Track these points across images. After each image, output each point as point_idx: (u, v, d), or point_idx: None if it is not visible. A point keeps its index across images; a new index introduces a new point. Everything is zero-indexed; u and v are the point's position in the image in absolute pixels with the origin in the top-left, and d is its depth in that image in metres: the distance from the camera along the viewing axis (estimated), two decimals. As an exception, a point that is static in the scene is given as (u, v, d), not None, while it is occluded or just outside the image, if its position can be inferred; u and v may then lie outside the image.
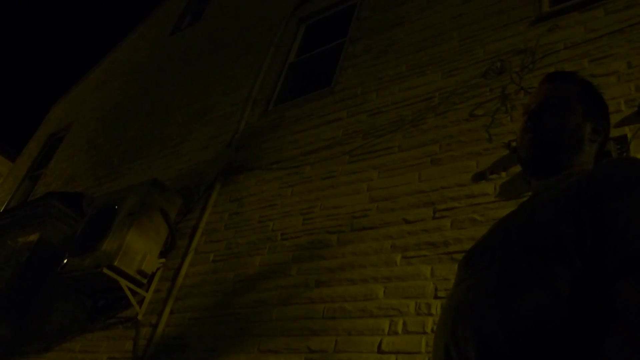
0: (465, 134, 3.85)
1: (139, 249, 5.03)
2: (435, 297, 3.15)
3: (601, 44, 3.54)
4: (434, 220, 3.55)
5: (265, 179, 5.08)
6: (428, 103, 4.32)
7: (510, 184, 3.30)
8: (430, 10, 5.13)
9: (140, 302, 5.01)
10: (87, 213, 5.97)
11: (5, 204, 9.85)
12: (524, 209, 1.24)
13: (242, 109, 6.21)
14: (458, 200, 3.52)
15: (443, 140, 3.96)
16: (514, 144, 3.29)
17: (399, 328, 3.20)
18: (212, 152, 6.06)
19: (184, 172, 6.17)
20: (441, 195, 3.64)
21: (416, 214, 3.67)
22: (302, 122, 5.30)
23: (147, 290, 5.06)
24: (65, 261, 5.35)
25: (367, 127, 4.63)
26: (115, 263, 4.82)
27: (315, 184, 4.58)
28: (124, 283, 4.88)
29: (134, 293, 4.98)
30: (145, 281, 5.07)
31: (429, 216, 3.59)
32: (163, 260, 5.23)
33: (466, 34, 4.56)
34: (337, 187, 4.38)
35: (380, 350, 3.21)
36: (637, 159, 1.10)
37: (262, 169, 5.19)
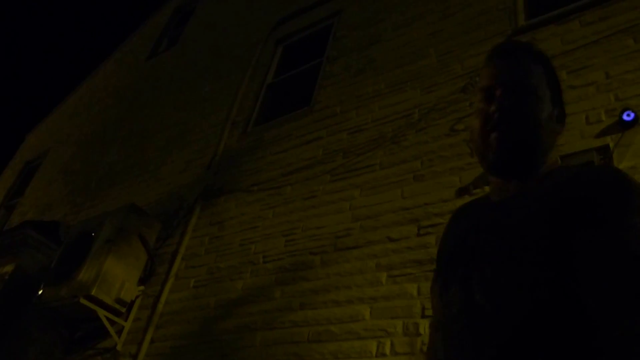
0: (447, 149, 3.81)
1: (117, 276, 4.89)
2: (423, 316, 3.08)
3: (578, 56, 3.53)
4: (418, 237, 3.49)
5: (245, 201, 4.99)
6: (408, 119, 4.28)
7: (494, 198, 3.24)
8: (407, 28, 5.13)
9: (120, 332, 4.86)
10: (63, 241, 5.82)
11: (-20, 235, 9.60)
12: (494, 218, 1.14)
13: (220, 131, 6.13)
14: (442, 216, 3.46)
15: (424, 156, 3.91)
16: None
17: (387, 349, 3.12)
18: (191, 175, 5.97)
19: (163, 197, 6.05)
20: (425, 212, 3.58)
21: (400, 232, 3.61)
22: (282, 142, 5.24)
23: (126, 319, 4.92)
24: (41, 291, 5.19)
25: (347, 146, 4.57)
26: (93, 292, 4.68)
27: (296, 205, 4.50)
28: (101, 313, 4.74)
29: (112, 322, 4.84)
30: (124, 310, 4.94)
31: (414, 233, 3.53)
32: (142, 287, 5.10)
33: (444, 50, 4.55)
34: (319, 207, 4.30)
35: (368, 374, 3.12)
36: (625, 175, 1.04)
37: (242, 191, 5.11)
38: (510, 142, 1.13)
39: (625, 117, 2.94)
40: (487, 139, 1.15)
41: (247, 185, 5.14)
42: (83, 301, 4.69)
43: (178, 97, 7.81)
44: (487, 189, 3.35)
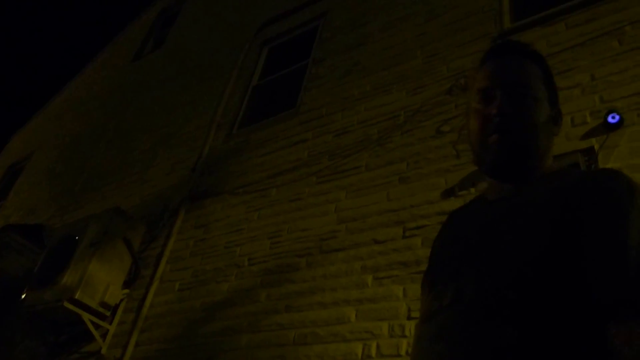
0: (433, 151, 3.79)
1: (101, 280, 4.82)
2: (409, 318, 3.05)
3: (564, 58, 3.53)
4: (404, 239, 3.46)
5: (231, 203, 4.94)
6: (394, 121, 4.26)
7: (480, 200, 3.23)
8: (394, 30, 5.11)
9: (104, 335, 4.80)
10: (47, 245, 5.74)
11: (-37, 238, 9.45)
12: (491, 218, 1.11)
13: (206, 133, 6.08)
14: (428, 217, 3.44)
15: (410, 158, 3.89)
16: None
17: (373, 352, 3.09)
18: (177, 177, 5.91)
19: (148, 199, 5.99)
20: (411, 214, 3.56)
21: (386, 234, 3.58)
22: (267, 144, 5.20)
23: (110, 323, 4.86)
24: (24, 295, 5.11)
25: (333, 148, 4.55)
26: (77, 296, 4.62)
27: (282, 207, 4.46)
28: (86, 316, 4.67)
29: (97, 326, 4.78)
30: (108, 313, 4.88)
31: (399, 235, 3.51)
32: (127, 290, 5.03)
33: (430, 52, 4.54)
34: (304, 209, 4.27)
35: (354, 376, 3.09)
36: (625, 177, 1.02)
37: (227, 194, 5.06)
38: (510, 145, 1.12)
39: (610, 120, 2.94)
40: (486, 141, 1.14)
41: (232, 187, 5.09)
42: (67, 305, 4.63)
43: (163, 99, 7.75)
44: (473, 190, 3.34)
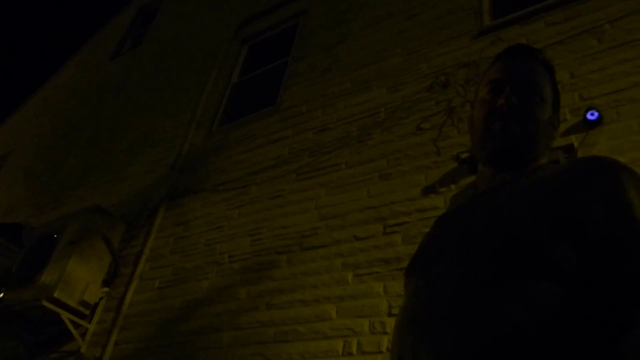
0: (413, 148, 3.78)
1: (80, 278, 4.75)
2: (390, 314, 3.03)
3: (546, 54, 3.53)
4: (384, 235, 3.44)
5: (211, 201, 4.89)
6: (374, 118, 4.24)
7: (460, 196, 3.23)
8: (373, 27, 5.10)
9: (83, 334, 4.74)
10: (26, 244, 5.63)
11: (-61, 238, 9.25)
12: (481, 205, 1.11)
13: (185, 131, 6.02)
14: (408, 214, 3.42)
15: (391, 155, 3.87)
16: (463, 155, 3.22)
17: (354, 348, 3.07)
18: (156, 175, 5.84)
19: (128, 197, 5.91)
20: (391, 211, 3.54)
21: (367, 231, 3.56)
22: (247, 142, 5.15)
23: (90, 322, 4.79)
24: (2, 295, 5.01)
25: (313, 145, 4.51)
26: (55, 294, 4.54)
27: (262, 204, 4.42)
28: (65, 315, 4.60)
29: (76, 325, 4.71)
30: (88, 312, 4.81)
31: (380, 232, 3.48)
32: (106, 289, 4.96)
33: (410, 49, 4.53)
34: (285, 207, 4.23)
35: (335, 373, 3.06)
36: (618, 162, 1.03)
37: (207, 191, 5.00)
38: (513, 133, 1.15)
39: (589, 117, 2.95)
40: (490, 128, 1.17)
41: (212, 185, 5.04)
42: (46, 304, 4.55)
43: (143, 97, 7.66)
44: (453, 187, 3.33)
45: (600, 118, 2.91)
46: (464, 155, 3.20)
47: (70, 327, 4.65)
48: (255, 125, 5.28)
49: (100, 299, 4.92)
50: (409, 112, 4.02)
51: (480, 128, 1.20)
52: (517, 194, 1.05)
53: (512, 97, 1.17)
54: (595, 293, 0.85)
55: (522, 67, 1.22)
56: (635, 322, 0.81)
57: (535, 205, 0.97)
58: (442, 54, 4.19)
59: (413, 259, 1.17)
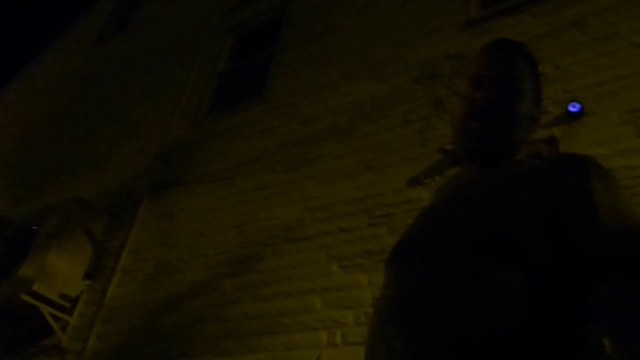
0: (399, 140, 3.87)
1: (61, 271, 4.79)
2: (374, 306, 3.12)
3: (528, 47, 3.62)
4: (370, 227, 3.54)
5: (195, 192, 4.96)
6: (361, 109, 4.33)
7: (445, 188, 3.32)
8: (362, 18, 5.17)
9: (64, 328, 4.78)
10: (4, 236, 5.66)
11: None
12: (459, 198, 1.17)
13: (170, 120, 6.07)
14: (394, 206, 3.52)
15: (377, 146, 3.97)
16: (448, 147, 3.32)
17: (338, 340, 3.17)
18: (140, 166, 5.88)
19: (111, 188, 5.95)
20: (377, 202, 3.64)
21: (352, 222, 3.66)
22: (233, 132, 5.22)
23: (71, 315, 4.83)
24: (-21, 289, 5.04)
25: (300, 136, 4.60)
26: (35, 287, 4.57)
27: (248, 196, 4.50)
28: (45, 309, 4.64)
29: (57, 319, 4.75)
30: (69, 305, 4.85)
31: (365, 224, 3.59)
32: (88, 282, 5.02)
33: (397, 40, 4.61)
34: (270, 198, 4.32)
35: (319, 364, 3.16)
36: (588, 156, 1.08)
37: (192, 182, 5.07)
38: (489, 131, 1.18)
39: (571, 108, 3.05)
40: (467, 125, 1.21)
41: (197, 176, 5.10)
42: (25, 297, 4.59)
43: (126, 85, 7.67)
44: (438, 178, 3.44)
45: (582, 110, 3.02)
46: (449, 147, 3.29)
47: (51, 320, 4.68)
48: (241, 115, 5.35)
49: (82, 291, 4.96)
50: (395, 103, 4.12)
51: (459, 125, 1.24)
52: (494, 189, 1.10)
53: (490, 93, 1.20)
54: (563, 281, 0.91)
55: (502, 62, 1.26)
56: (598, 309, 0.87)
57: (510, 198, 1.03)
58: (429, 45, 4.28)
59: (392, 250, 1.20)
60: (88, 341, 4.49)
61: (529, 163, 1.17)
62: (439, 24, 4.40)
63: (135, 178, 5.75)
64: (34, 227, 5.12)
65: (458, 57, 3.93)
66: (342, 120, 4.40)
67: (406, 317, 0.97)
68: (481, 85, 1.23)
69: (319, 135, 4.45)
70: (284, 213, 4.11)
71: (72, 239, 5.00)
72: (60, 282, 4.78)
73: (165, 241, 4.78)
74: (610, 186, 1.00)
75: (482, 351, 0.86)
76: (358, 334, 3.08)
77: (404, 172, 3.66)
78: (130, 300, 4.57)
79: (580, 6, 3.61)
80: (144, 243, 4.96)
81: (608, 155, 2.84)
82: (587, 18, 3.49)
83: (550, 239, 0.95)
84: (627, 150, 2.83)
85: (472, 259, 0.96)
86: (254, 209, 4.36)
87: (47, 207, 5.49)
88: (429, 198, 3.33)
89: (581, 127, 3.01)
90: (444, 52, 4.12)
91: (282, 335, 3.44)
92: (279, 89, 5.27)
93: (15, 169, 8.21)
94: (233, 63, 6.46)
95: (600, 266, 0.90)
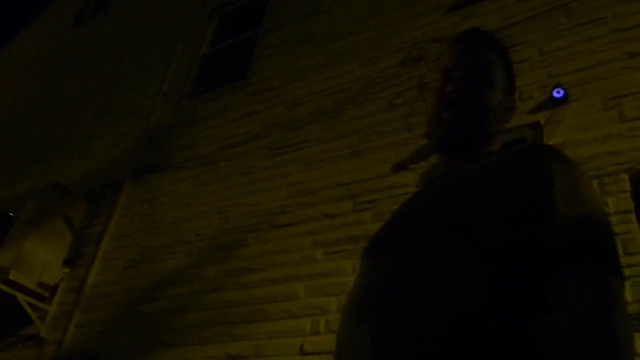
0: (385, 124, 3.92)
1: (39, 259, 4.81)
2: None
3: (514, 31, 3.69)
4: (354, 213, 3.60)
5: (178, 177, 4.99)
6: (346, 93, 4.37)
7: (430, 174, 3.38)
8: (347, 0, 5.19)
9: (43, 318, 4.80)
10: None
11: None
12: (430, 191, 1.21)
13: (152, 104, 6.07)
14: (379, 191, 3.58)
15: (362, 131, 4.02)
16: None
17: (322, 327, 3.23)
18: (121, 150, 5.90)
19: (91, 174, 5.96)
20: (362, 188, 3.69)
21: (337, 208, 3.71)
22: (217, 116, 5.25)
23: (50, 304, 4.85)
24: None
25: (284, 120, 4.63)
26: (11, 276, 4.59)
27: (231, 181, 4.54)
28: (22, 298, 4.66)
29: (35, 308, 4.77)
30: (47, 294, 4.87)
31: (350, 209, 3.64)
32: (67, 270, 5.04)
33: (383, 22, 4.64)
34: (254, 184, 4.36)
35: (302, 352, 3.24)
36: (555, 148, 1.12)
37: (174, 167, 5.10)
38: (459, 121, 1.23)
39: (555, 94, 3.11)
40: (439, 116, 1.26)
41: (179, 161, 5.13)
42: (1, 286, 4.60)
43: (107, 68, 7.64)
44: (423, 164, 3.50)
45: (566, 96, 3.08)
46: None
47: (29, 310, 4.70)
48: (225, 98, 5.36)
49: (61, 280, 4.98)
50: (381, 87, 4.16)
51: (431, 116, 1.29)
52: (463, 180, 1.13)
53: (459, 85, 1.25)
54: (523, 272, 0.93)
55: (472, 54, 1.30)
56: (551, 301, 0.89)
57: (474, 189, 1.06)
58: (415, 28, 4.31)
59: (367, 243, 1.23)
60: (67, 330, 4.52)
61: (500, 154, 1.20)
62: (425, 7, 4.43)
63: (116, 163, 5.77)
64: (11, 214, 5.14)
65: (444, 40, 3.97)
66: (327, 104, 4.43)
67: (370, 310, 0.99)
68: (451, 78, 1.27)
69: (303, 119, 4.49)
70: (268, 199, 4.16)
71: (50, 226, 5.02)
72: (38, 270, 4.79)
73: (147, 227, 4.82)
74: (572, 177, 1.02)
75: (440, 345, 0.89)
76: (341, 321, 3.14)
77: (390, 157, 3.71)
78: (110, 288, 4.61)
79: (565, -10, 3.66)
80: (125, 229, 4.99)
81: (591, 141, 2.91)
82: (572, 3, 3.54)
83: (511, 229, 0.97)
84: (610, 136, 2.89)
85: (435, 252, 1.00)
86: (237, 194, 4.40)
87: (24, 193, 5.49)
88: (414, 183, 3.40)
89: (565, 113, 3.07)
90: (430, 36, 4.16)
91: (265, 323, 3.50)
92: (263, 71, 5.29)
93: (-10, 154, 8.17)
94: (217, 45, 6.46)
95: (554, 257, 0.92)
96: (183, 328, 3.87)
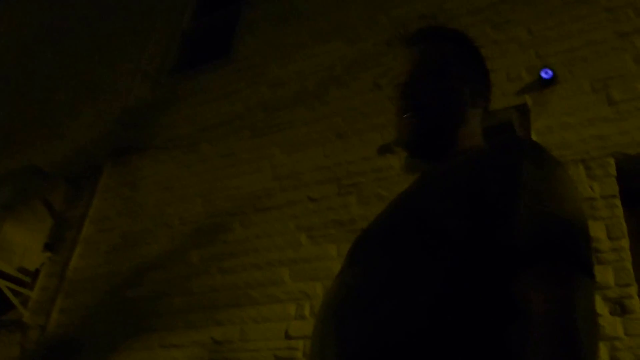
0: (370, 105, 3.94)
1: (18, 244, 4.83)
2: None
3: (503, 9, 3.71)
4: (339, 196, 3.64)
5: (159, 159, 5.00)
6: (331, 72, 4.38)
7: (416, 157, 3.42)
8: (333, -25, 5.16)
9: (25, 303, 4.83)
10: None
11: None
12: (405, 193, 1.23)
13: (130, 82, 6.03)
14: (364, 175, 3.62)
15: (347, 112, 4.04)
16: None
17: (306, 312, 3.30)
18: (99, 131, 5.87)
19: (69, 156, 5.94)
20: (346, 171, 3.73)
21: (321, 191, 3.75)
22: (198, 95, 5.24)
23: (32, 289, 4.89)
24: None
25: (268, 99, 4.64)
26: (-10, 262, 4.61)
27: (214, 163, 4.56)
28: (2, 284, 4.68)
29: (16, 293, 4.79)
30: (29, 279, 4.89)
31: (334, 193, 3.68)
32: (49, 254, 5.06)
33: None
34: (237, 166, 4.38)
35: (287, 336, 3.30)
36: (531, 144, 1.13)
37: (155, 149, 5.10)
38: (421, 127, 1.26)
39: (543, 75, 3.14)
40: (402, 124, 1.30)
41: (161, 141, 5.13)
42: (-21, 272, 4.63)
43: (84, 44, 7.56)
44: (408, 147, 3.53)
45: (554, 77, 3.12)
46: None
47: (10, 295, 4.71)
48: (207, 76, 5.34)
49: (42, 264, 5.00)
50: (366, 67, 4.17)
51: (397, 125, 1.32)
52: (433, 180, 1.16)
53: (417, 90, 1.28)
54: (489, 271, 0.94)
55: (427, 55, 1.33)
56: (513, 301, 0.91)
57: (446, 188, 1.07)
58: (401, 6, 4.31)
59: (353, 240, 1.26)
60: (50, 315, 4.56)
61: (474, 152, 1.20)
62: (412, -17, 4.43)
63: (95, 144, 5.75)
64: (-13, 199, 5.13)
65: (431, 18, 3.98)
66: (311, 84, 4.44)
67: (339, 318, 1.01)
68: (408, 87, 1.30)
69: (287, 99, 4.50)
70: (252, 181, 4.19)
71: (29, 210, 5.02)
72: (18, 255, 4.81)
73: (129, 211, 4.84)
74: (545, 177, 1.02)
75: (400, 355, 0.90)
76: (326, 307, 3.21)
77: (375, 139, 3.74)
78: (93, 272, 4.64)
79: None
80: (106, 213, 5.00)
81: (578, 124, 2.96)
82: (562, -20, 3.56)
83: (478, 225, 0.98)
84: (597, 119, 2.94)
85: (403, 255, 1.02)
86: (220, 177, 4.43)
87: (0, 177, 5.48)
88: (400, 166, 3.44)
89: (552, 94, 3.12)
90: (417, 13, 4.16)
91: (249, 308, 3.55)
92: (245, 49, 5.27)
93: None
94: (198, 21, 6.41)
95: (515, 257, 0.93)
96: (167, 313, 3.92)
